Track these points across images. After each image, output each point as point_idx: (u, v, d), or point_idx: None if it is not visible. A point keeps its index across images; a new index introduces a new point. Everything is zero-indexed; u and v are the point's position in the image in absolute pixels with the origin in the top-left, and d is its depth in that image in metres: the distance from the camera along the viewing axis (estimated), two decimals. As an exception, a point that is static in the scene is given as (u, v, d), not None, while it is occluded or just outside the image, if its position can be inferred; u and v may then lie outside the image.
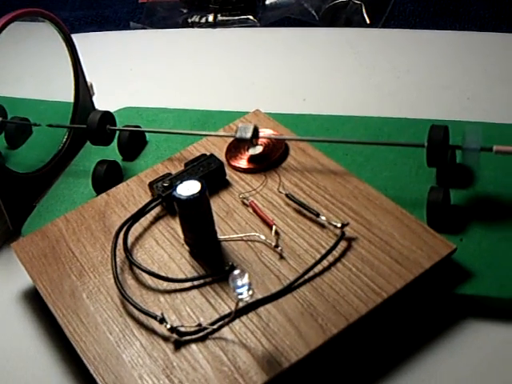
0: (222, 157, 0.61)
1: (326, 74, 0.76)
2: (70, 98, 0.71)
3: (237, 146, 0.62)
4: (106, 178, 0.63)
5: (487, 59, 0.73)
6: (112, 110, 0.74)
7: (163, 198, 0.57)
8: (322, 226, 0.53)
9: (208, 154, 0.61)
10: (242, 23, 0.89)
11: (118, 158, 0.67)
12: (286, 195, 0.56)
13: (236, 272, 0.43)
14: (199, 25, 0.90)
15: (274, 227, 0.53)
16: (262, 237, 0.53)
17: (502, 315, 0.48)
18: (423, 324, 0.50)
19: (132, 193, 0.60)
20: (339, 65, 0.77)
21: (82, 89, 0.71)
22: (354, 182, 0.56)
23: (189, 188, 0.51)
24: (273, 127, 0.63)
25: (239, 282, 0.43)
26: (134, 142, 0.68)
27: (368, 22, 0.83)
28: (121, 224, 0.56)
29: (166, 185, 0.57)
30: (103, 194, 0.61)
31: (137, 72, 0.84)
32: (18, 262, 0.57)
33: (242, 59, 0.83)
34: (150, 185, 0.59)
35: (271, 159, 0.60)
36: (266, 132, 0.62)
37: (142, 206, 0.57)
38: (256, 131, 0.59)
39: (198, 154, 0.62)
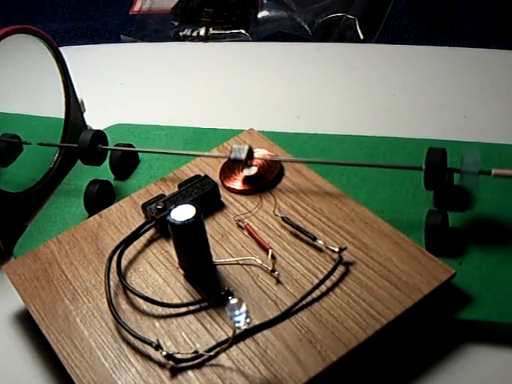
0: (216, 177, 0.61)
1: (320, 90, 0.76)
2: (60, 114, 0.71)
3: (231, 166, 0.62)
4: (98, 198, 0.63)
5: (483, 76, 0.73)
6: (103, 126, 0.74)
7: (157, 220, 0.57)
8: (319, 249, 0.53)
9: (202, 174, 0.61)
10: (234, 37, 0.89)
11: (110, 177, 0.67)
12: (282, 218, 0.56)
13: (233, 302, 0.43)
14: (191, 38, 0.90)
15: (270, 251, 0.53)
16: (259, 261, 0.53)
17: (503, 340, 0.49)
18: (423, 349, 0.50)
19: (125, 214, 0.60)
20: (333, 81, 0.77)
21: (73, 105, 0.71)
22: (350, 205, 0.57)
23: (183, 212, 0.51)
24: (267, 147, 0.63)
25: (237, 312, 0.43)
26: (127, 161, 0.68)
27: (362, 37, 0.83)
28: (114, 247, 0.55)
29: (159, 207, 0.57)
30: (96, 216, 0.61)
31: (128, 87, 0.83)
32: (10, 284, 0.57)
33: (235, 74, 0.83)
34: (143, 206, 0.59)
35: (266, 180, 0.60)
36: (260, 152, 0.62)
37: (135, 228, 0.57)
38: (251, 152, 0.60)
39: (191, 174, 0.62)
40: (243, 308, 0.43)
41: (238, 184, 0.60)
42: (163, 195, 0.59)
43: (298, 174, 0.61)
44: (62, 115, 0.70)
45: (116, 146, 0.67)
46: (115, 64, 0.88)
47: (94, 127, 0.75)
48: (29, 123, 0.71)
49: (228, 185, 0.61)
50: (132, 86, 0.83)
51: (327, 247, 0.53)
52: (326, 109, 0.73)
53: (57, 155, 0.70)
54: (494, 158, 0.60)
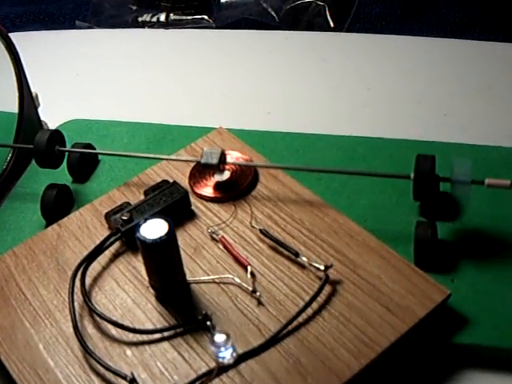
0: (184, 182, 0.56)
1: (290, 83, 0.72)
2: (12, 108, 0.64)
3: (201, 170, 0.57)
4: (57, 204, 0.57)
5: (462, 69, 0.70)
6: (58, 122, 0.68)
7: (122, 232, 0.51)
8: (302, 266, 0.49)
9: (169, 179, 0.56)
10: (196, 23, 0.84)
11: (68, 179, 0.61)
12: (261, 231, 0.51)
13: (219, 339, 0.39)
14: (150, 24, 0.84)
15: (249, 268, 0.49)
16: (237, 279, 0.48)
17: (503, 366, 0.45)
18: (418, 375, 0.46)
19: (86, 223, 0.55)
20: (304, 73, 0.73)
21: (27, 100, 0.64)
22: (332, 215, 0.52)
23: (154, 227, 0.46)
24: (240, 149, 0.59)
25: (222, 348, 0.39)
26: (86, 163, 0.62)
27: (332, 25, 0.79)
28: (77, 264, 0.50)
29: (125, 218, 0.52)
30: (54, 226, 0.55)
31: (84, 78, 0.77)
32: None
33: (198, 64, 0.77)
34: (107, 216, 0.53)
35: (240, 187, 0.55)
36: (233, 156, 0.57)
37: (99, 241, 0.51)
38: (223, 156, 0.55)
39: (157, 178, 0.57)
40: (229, 343, 0.39)
41: (209, 190, 0.55)
42: (128, 203, 0.54)
43: (273, 179, 0.56)
44: (15, 110, 0.64)
45: (74, 145, 0.61)
46: (69, 52, 0.81)
47: (49, 123, 0.69)
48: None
49: (198, 191, 0.56)
50: (88, 77, 0.77)
51: (311, 264, 0.48)
52: (297, 104, 0.69)
53: (10, 156, 0.63)
54: (480, 162, 0.56)
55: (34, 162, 0.63)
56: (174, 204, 0.53)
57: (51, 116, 0.68)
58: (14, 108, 0.64)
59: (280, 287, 0.48)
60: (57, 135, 0.58)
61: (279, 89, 0.71)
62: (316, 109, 0.68)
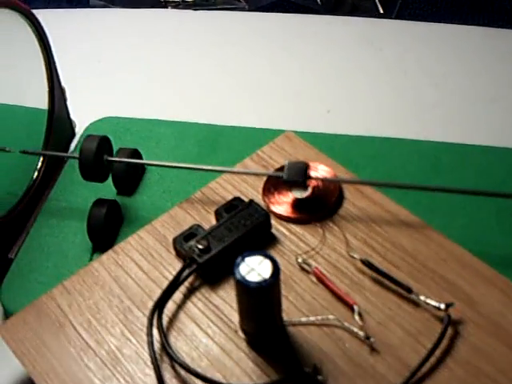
0: (256, 198, 0.49)
1: (347, 76, 0.64)
2: (39, 103, 0.55)
3: (276, 184, 0.49)
4: (107, 224, 0.49)
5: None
6: (88, 120, 0.59)
7: (200, 264, 0.44)
8: (414, 303, 0.42)
9: (239, 195, 0.48)
10: (228, 4, 0.75)
11: (111, 190, 0.53)
12: (363, 262, 0.44)
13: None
14: (174, 4, 0.75)
15: (356, 308, 0.42)
16: (345, 323, 0.41)
17: None
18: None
19: (148, 249, 0.47)
20: (360, 65, 0.65)
21: (58, 95, 0.55)
22: (436, 239, 0.46)
23: (255, 267, 0.38)
24: (314, 157, 0.51)
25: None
26: (133, 172, 0.54)
27: (381, 10, 0.71)
28: (153, 306, 0.42)
29: (201, 247, 0.44)
30: (111, 252, 0.47)
31: (108, 65, 0.68)
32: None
33: (235, 51, 0.69)
34: (176, 242, 0.46)
35: (325, 205, 0.48)
36: (316, 168, 0.49)
37: (173, 275, 0.44)
38: (308, 170, 0.47)
39: (225, 194, 0.49)
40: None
41: (287, 209, 0.48)
42: (199, 226, 0.46)
43: (361, 195, 0.49)
44: (42, 106, 0.55)
45: (119, 152, 0.53)
46: (85, 34, 0.72)
47: (77, 120, 0.60)
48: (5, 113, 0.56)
49: (276, 211, 0.48)
50: (113, 65, 0.68)
51: (427, 302, 0.42)
52: (358, 101, 0.61)
53: (40, 162, 0.55)
54: None
55: (66, 168, 0.55)
56: (254, 228, 0.46)
57: (80, 112, 0.60)
58: (41, 104, 0.55)
59: (393, 330, 0.41)
60: (105, 142, 0.50)
61: (336, 83, 0.63)
62: (379, 108, 0.61)
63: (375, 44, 0.65)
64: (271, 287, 0.38)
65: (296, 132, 0.55)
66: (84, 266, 0.46)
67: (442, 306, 0.41)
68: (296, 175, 0.46)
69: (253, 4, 0.75)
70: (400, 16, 0.71)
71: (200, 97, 0.63)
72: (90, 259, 0.50)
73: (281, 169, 0.50)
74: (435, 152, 0.54)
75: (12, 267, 0.49)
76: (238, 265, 0.38)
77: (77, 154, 0.49)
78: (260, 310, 0.39)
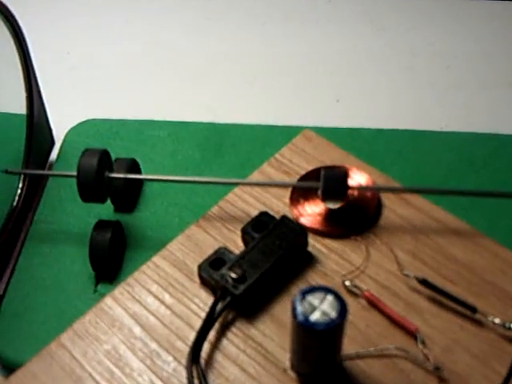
0: (283, 210, 0.44)
1: (350, 61, 0.59)
2: (19, 109, 0.49)
3: (304, 193, 0.44)
4: (112, 250, 0.43)
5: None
6: (66, 124, 0.53)
7: (236, 296, 0.38)
8: (477, 323, 0.38)
9: (264, 208, 0.43)
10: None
11: (106, 206, 0.47)
12: (419, 280, 0.39)
13: None
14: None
15: (418, 336, 0.37)
16: (410, 353, 0.37)
17: None
18: None
19: (168, 279, 0.41)
20: (362, 47, 0.60)
21: (36, 98, 0.49)
22: (490, 247, 0.42)
23: (316, 305, 0.33)
24: (342, 159, 0.46)
25: None
26: (132, 185, 0.48)
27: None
28: (191, 348, 0.37)
29: (235, 276, 0.39)
30: (123, 285, 0.41)
31: (80, 57, 0.61)
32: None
33: (229, 31, 0.63)
34: (201, 269, 0.40)
35: (364, 215, 0.43)
36: (350, 175, 0.44)
37: (207, 312, 0.38)
38: (347, 179, 0.42)
39: (246, 207, 0.44)
40: None
41: (320, 221, 0.43)
42: (226, 250, 0.41)
43: (401, 201, 0.44)
44: (19, 111, 0.48)
45: (116, 163, 0.46)
46: (53, 19, 0.64)
47: (56, 125, 0.53)
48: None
49: (307, 223, 0.43)
50: (85, 56, 0.60)
51: (494, 322, 0.38)
52: (367, 89, 0.56)
53: (21, 180, 0.48)
54: None
55: (49, 184, 0.48)
56: (291, 248, 0.41)
57: (58, 115, 0.53)
58: (19, 109, 0.48)
59: (460, 356, 0.37)
60: (105, 157, 0.44)
61: (339, 69, 0.58)
62: (393, 95, 0.56)
63: (375, 22, 0.60)
64: (339, 327, 0.33)
65: (309, 127, 0.50)
66: (95, 304, 0.40)
67: (514, 326, 0.37)
68: (335, 186, 0.41)
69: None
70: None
71: (197, 91, 0.57)
72: (95, 291, 0.44)
73: (308, 175, 0.45)
74: (465, 144, 0.50)
75: (3, 306, 0.43)
76: (298, 304, 0.33)
77: (73, 172, 0.42)
78: (322, 352, 0.35)
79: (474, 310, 0.38)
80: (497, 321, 0.38)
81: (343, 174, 0.41)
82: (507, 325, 0.37)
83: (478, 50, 0.57)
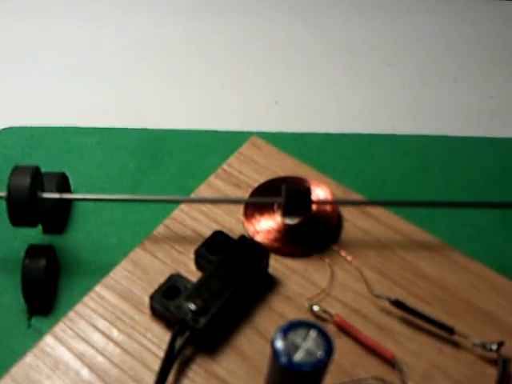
0: (237, 227, 0.40)
1: (284, 60, 0.56)
2: None
3: (258, 208, 0.41)
4: (47, 278, 0.38)
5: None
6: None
7: (197, 331, 0.35)
8: (455, 344, 0.36)
9: (219, 228, 0.39)
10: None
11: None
12: (393, 303, 0.37)
13: None
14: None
15: (396, 363, 0.35)
16: (390, 382, 0.35)
17: None
18: None
19: (114, 312, 0.37)
20: (296, 44, 0.57)
21: None
22: (459, 261, 0.40)
23: (298, 343, 0.30)
24: (294, 168, 0.43)
25: None
26: (62, 204, 0.42)
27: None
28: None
29: (194, 308, 0.35)
30: (64, 321, 0.37)
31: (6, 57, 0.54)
32: None
33: (162, 26, 0.58)
34: (154, 300, 0.36)
35: (324, 231, 0.40)
36: (313, 189, 0.41)
37: (165, 351, 0.34)
38: (310, 195, 0.39)
39: (196, 225, 0.41)
40: None
41: (278, 238, 0.40)
42: (179, 276, 0.37)
43: (361, 213, 0.42)
44: None
45: (45, 179, 0.41)
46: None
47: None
48: None
49: (264, 241, 0.40)
50: (13, 57, 0.54)
51: (475, 344, 0.36)
52: (305, 91, 0.53)
53: None
54: None
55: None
56: (252, 272, 0.37)
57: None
58: None
59: (441, 381, 0.35)
60: (37, 175, 0.38)
61: (272, 68, 0.55)
62: (334, 97, 0.53)
63: (308, 19, 0.57)
64: (325, 366, 0.30)
65: (251, 133, 0.46)
66: (34, 343, 0.36)
67: (494, 347, 0.35)
68: (298, 201, 0.38)
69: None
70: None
71: (126, 94, 0.52)
72: (29, 326, 0.39)
73: (261, 188, 0.42)
74: (417, 148, 0.48)
75: None
76: (279, 344, 0.30)
77: (2, 193, 0.37)
78: (302, 391, 0.31)
79: (451, 330, 0.36)
80: (476, 342, 0.36)
81: (306, 189, 0.38)
82: (488, 346, 0.36)
83: (419, 46, 0.55)
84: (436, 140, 0.48)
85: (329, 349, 0.30)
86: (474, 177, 0.46)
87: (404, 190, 0.45)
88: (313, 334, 0.31)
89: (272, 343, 0.30)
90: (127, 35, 0.55)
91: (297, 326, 0.31)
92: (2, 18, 0.57)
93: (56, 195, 0.39)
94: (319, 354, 0.30)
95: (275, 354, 0.30)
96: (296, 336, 0.31)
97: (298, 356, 0.30)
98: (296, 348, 0.30)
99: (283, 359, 0.30)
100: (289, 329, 0.31)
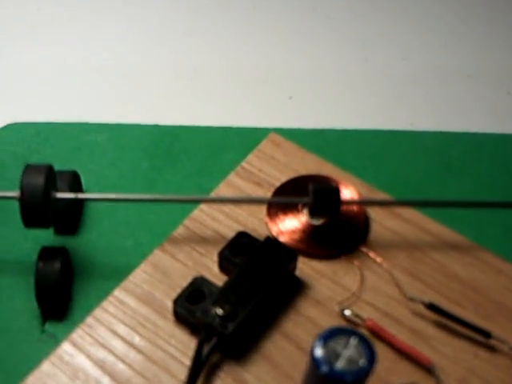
0: (260, 227, 0.39)
1: (298, 53, 0.54)
2: None
3: (282, 208, 0.39)
4: (62, 282, 0.37)
5: None
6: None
7: (226, 336, 0.33)
8: (491, 348, 0.35)
9: (242, 228, 0.38)
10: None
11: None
12: (427, 306, 0.35)
13: None
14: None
15: (434, 369, 0.34)
16: (429, 392, 0.33)
17: None
18: None
19: (135, 317, 0.36)
20: (309, 37, 0.55)
21: None
22: (491, 262, 0.39)
23: (340, 351, 0.28)
24: (317, 166, 0.42)
25: None
26: (75, 204, 0.41)
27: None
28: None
29: (222, 313, 0.33)
30: (83, 327, 0.35)
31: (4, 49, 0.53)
32: None
33: (176, 30, 0.56)
34: (177, 305, 0.34)
35: (352, 231, 0.39)
36: (342, 190, 0.39)
37: (193, 359, 0.33)
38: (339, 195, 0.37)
39: (218, 226, 0.39)
40: None
41: (304, 239, 0.38)
42: (202, 279, 0.35)
43: (389, 213, 0.40)
44: None
45: (59, 177, 0.39)
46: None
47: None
48: None
49: (291, 243, 0.38)
50: (17, 48, 0.52)
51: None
52: (321, 85, 0.51)
53: None
54: None
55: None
56: (280, 275, 0.35)
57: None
58: None
59: (479, 389, 0.34)
60: (51, 173, 0.36)
61: (293, 62, 0.53)
62: (347, 93, 0.51)
63: (319, 11, 0.56)
64: (367, 375, 0.28)
65: (266, 129, 0.45)
66: (52, 351, 0.34)
67: (534, 352, 0.34)
68: (327, 202, 0.36)
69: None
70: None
71: (137, 90, 0.50)
72: (43, 331, 0.37)
73: (284, 187, 0.40)
74: (439, 145, 0.46)
75: None
76: (319, 352, 0.28)
77: (14, 193, 0.35)
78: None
79: (487, 335, 0.35)
80: (513, 345, 0.35)
81: (335, 189, 0.37)
82: (528, 350, 0.34)
83: (436, 41, 0.54)
84: (457, 137, 0.47)
85: (371, 357, 0.29)
86: (499, 174, 0.45)
87: (427, 189, 0.43)
88: (353, 341, 0.29)
89: (311, 351, 0.28)
90: (138, 28, 0.53)
91: (337, 333, 0.29)
92: (10, 12, 0.55)
93: (71, 195, 0.37)
94: (361, 362, 0.28)
95: (315, 362, 0.28)
96: (336, 344, 0.29)
97: (340, 364, 0.28)
98: (337, 356, 0.29)
99: (324, 368, 0.28)
100: (329, 336, 0.29)
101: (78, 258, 0.40)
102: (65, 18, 0.55)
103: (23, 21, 0.54)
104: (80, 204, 0.41)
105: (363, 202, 0.39)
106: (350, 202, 0.39)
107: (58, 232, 0.41)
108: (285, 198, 0.40)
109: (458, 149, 0.46)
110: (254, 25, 0.55)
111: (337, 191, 0.37)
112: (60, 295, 0.37)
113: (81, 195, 0.38)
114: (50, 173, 0.36)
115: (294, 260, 0.36)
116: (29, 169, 0.36)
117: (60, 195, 0.37)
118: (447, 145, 0.46)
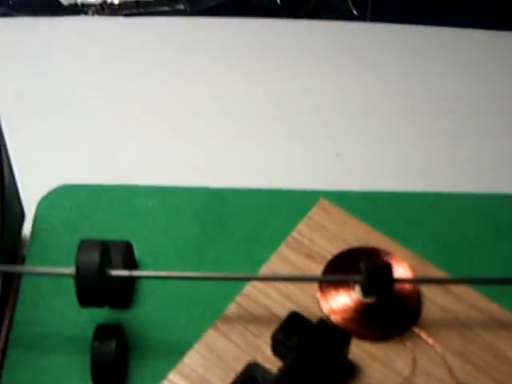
0: (310, 304, 0.39)
1: (344, 105, 0.54)
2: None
3: (333, 284, 0.39)
4: (117, 361, 0.37)
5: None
6: (38, 192, 0.45)
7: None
8: None
9: (293, 306, 0.38)
10: (161, 5, 0.61)
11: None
12: (480, 393, 0.35)
13: None
14: (95, 8, 0.60)
15: None
16: None
17: None
18: None
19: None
20: (357, 85, 0.55)
21: (8, 176, 0.41)
22: (542, 341, 0.38)
23: None
24: (366, 235, 0.42)
25: None
26: (129, 278, 0.41)
27: (355, 12, 0.60)
28: None
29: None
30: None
31: (40, 102, 0.53)
32: None
33: (194, 72, 0.56)
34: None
35: (405, 310, 0.38)
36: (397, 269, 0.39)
37: None
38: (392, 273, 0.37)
39: (270, 303, 0.39)
40: None
41: (356, 319, 0.38)
42: (256, 365, 0.35)
43: (442, 290, 0.40)
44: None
45: (113, 247, 0.39)
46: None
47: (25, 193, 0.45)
48: None
49: (343, 323, 0.38)
50: (67, 109, 0.52)
51: None
52: (365, 141, 0.51)
53: (-5, 273, 0.40)
54: None
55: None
56: (334, 360, 0.35)
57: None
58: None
59: None
60: (106, 250, 0.37)
61: (334, 115, 0.53)
62: (393, 150, 0.51)
63: (365, 59, 0.55)
64: None
65: (315, 192, 0.45)
66: None
67: None
68: (379, 280, 0.36)
69: (196, 6, 0.61)
70: (374, 19, 0.61)
71: (188, 151, 0.50)
72: (99, 411, 0.37)
73: (335, 261, 0.40)
74: (488, 208, 0.45)
75: None
76: None
77: (69, 270, 0.35)
78: None
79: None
80: None
81: (387, 267, 0.37)
82: None
83: (481, 92, 0.53)
84: (508, 200, 0.46)
85: None
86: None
87: (477, 259, 0.43)
88: None
89: None
90: (187, 88, 0.53)
91: None
92: (58, 71, 0.55)
93: (125, 273, 0.38)
94: None
95: None
96: None
97: None
98: None
99: None
100: None
101: (132, 333, 0.40)
102: (116, 76, 0.55)
103: (74, 81, 0.55)
104: (133, 278, 0.42)
105: (417, 281, 0.39)
106: (404, 280, 0.39)
107: (111, 306, 0.41)
108: (337, 276, 0.40)
109: (507, 213, 0.46)
110: (299, 79, 0.55)
111: (389, 269, 0.37)
112: (116, 375, 0.37)
113: (135, 273, 0.38)
114: (104, 249, 0.36)
115: (348, 344, 0.37)
116: (83, 245, 0.36)
117: (115, 273, 0.37)
118: (497, 209, 0.46)
